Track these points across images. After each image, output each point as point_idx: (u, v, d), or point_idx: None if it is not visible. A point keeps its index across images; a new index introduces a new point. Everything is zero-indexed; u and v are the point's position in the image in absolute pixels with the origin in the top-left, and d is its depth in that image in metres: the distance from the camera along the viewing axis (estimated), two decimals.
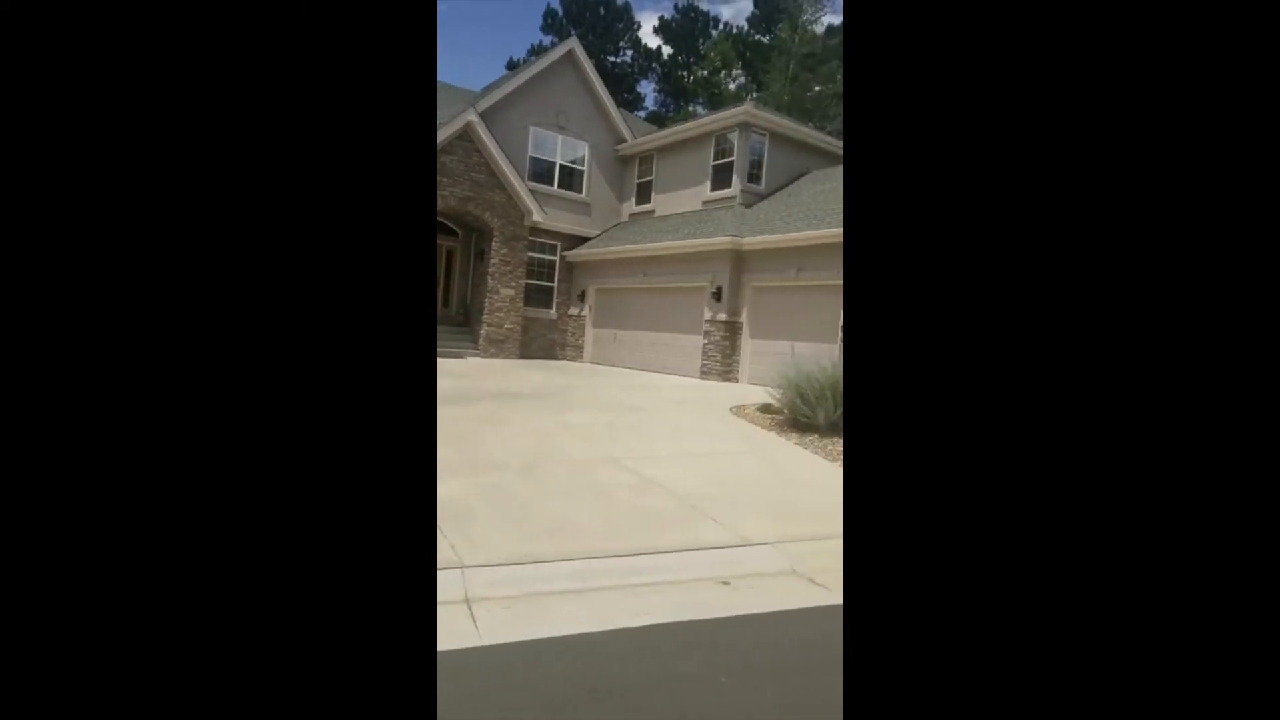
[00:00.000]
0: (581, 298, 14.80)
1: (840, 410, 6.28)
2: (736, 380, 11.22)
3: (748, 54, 34.11)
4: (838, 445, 5.99)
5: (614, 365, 13.62)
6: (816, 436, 6.26)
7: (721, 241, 11.22)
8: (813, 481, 5.12)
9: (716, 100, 31.41)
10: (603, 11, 36.10)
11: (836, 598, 3.09)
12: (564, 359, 14.92)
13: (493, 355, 13.58)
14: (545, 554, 3.20)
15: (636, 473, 4.91)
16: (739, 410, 7.66)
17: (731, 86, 33.43)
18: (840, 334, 9.59)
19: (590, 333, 14.71)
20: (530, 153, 14.47)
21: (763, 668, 2.35)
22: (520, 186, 13.54)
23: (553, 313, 15.00)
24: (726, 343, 11.33)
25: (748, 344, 11.28)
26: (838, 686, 2.27)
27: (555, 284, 15.01)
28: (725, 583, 3.18)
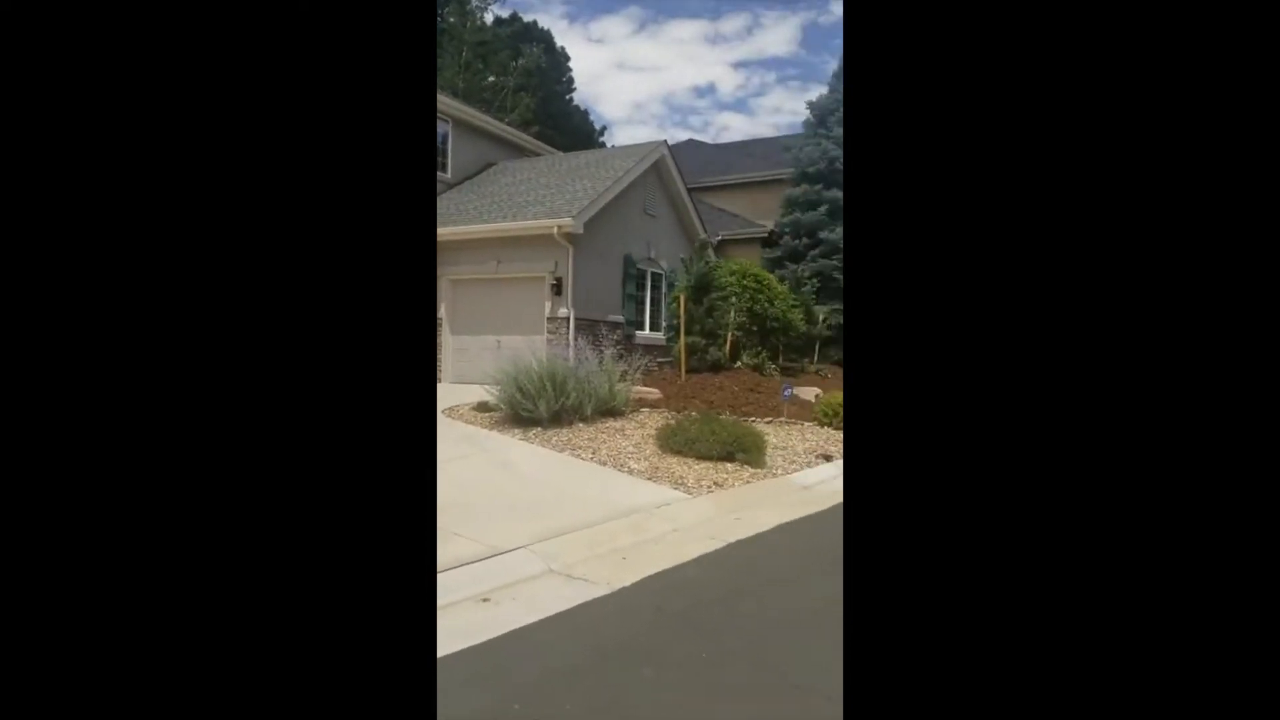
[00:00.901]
0: None
1: (562, 400, 6.43)
2: (440, 380, 10.73)
3: None
4: (562, 435, 6.14)
5: None
6: (540, 429, 6.32)
7: None
8: (546, 475, 5.15)
9: None
10: None
11: (599, 590, 3.16)
12: None
13: None
14: None
15: None
16: (453, 412, 7.31)
17: None
18: (546, 325, 9.82)
19: None
20: None
21: (552, 678, 2.29)
22: None
23: None
24: None
25: (449, 341, 10.85)
26: (629, 679, 2.35)
27: None
28: (486, 599, 3.01)
